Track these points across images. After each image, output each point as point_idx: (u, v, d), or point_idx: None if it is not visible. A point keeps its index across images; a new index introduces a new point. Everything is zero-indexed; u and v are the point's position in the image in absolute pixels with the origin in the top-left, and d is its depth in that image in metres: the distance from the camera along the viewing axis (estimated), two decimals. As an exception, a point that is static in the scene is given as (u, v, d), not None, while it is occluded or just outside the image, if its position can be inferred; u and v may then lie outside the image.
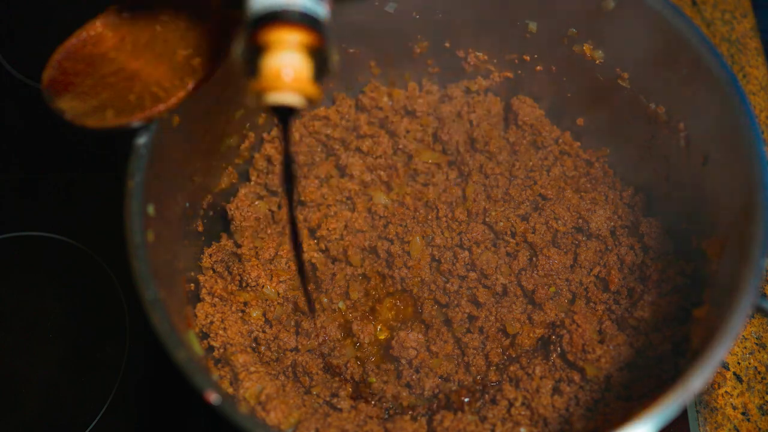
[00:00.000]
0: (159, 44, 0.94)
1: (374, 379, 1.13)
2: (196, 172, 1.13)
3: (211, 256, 1.18)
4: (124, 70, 0.93)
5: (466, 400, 1.08)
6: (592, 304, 1.15)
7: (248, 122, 1.24)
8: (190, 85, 0.91)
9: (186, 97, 0.91)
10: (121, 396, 1.22)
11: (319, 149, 1.33)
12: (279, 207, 1.28)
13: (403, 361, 1.14)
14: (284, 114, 0.79)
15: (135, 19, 0.94)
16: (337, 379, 1.14)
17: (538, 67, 1.26)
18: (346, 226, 1.24)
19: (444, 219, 1.25)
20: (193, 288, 1.12)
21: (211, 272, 1.17)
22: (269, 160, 1.27)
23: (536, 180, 1.26)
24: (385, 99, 1.33)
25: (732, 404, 1.24)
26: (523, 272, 1.18)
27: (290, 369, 1.14)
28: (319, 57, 0.75)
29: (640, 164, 1.21)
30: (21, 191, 1.42)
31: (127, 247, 0.85)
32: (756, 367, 1.27)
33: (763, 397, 1.25)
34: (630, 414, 0.81)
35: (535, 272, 1.17)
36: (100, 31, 0.93)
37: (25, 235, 1.35)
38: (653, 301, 1.10)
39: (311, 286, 1.22)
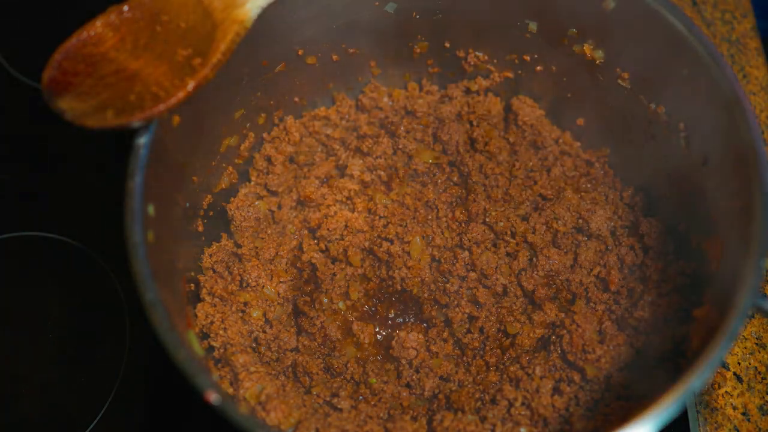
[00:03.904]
0: (159, 44, 0.94)
1: (374, 379, 1.13)
2: (196, 172, 1.13)
3: (211, 256, 1.18)
4: (124, 70, 0.93)
5: (466, 400, 1.08)
6: (592, 304, 1.15)
7: (248, 122, 1.24)
8: (190, 85, 0.91)
9: (186, 97, 0.91)
10: (121, 396, 1.22)
11: (319, 149, 1.33)
12: (279, 207, 1.28)
13: (403, 361, 1.14)
14: None
15: (135, 19, 0.94)
16: (337, 379, 1.14)
17: (538, 67, 1.26)
18: (346, 226, 1.24)
19: (444, 219, 1.25)
20: (193, 288, 1.12)
21: (211, 272, 1.17)
22: (269, 160, 1.28)
23: (536, 180, 1.26)
24: (385, 99, 1.33)
25: (732, 404, 1.24)
26: (523, 272, 1.18)
27: (290, 369, 1.14)
28: None
29: (640, 164, 1.21)
30: (21, 191, 1.42)
31: (127, 247, 0.85)
32: (756, 367, 1.27)
33: (764, 397, 1.25)
34: (630, 414, 0.81)
35: (535, 272, 1.17)
36: (100, 31, 0.93)
37: (25, 235, 1.35)
38: (653, 301, 1.10)
39: (311, 287, 1.22)
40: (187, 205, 1.12)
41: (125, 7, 0.94)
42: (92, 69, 0.92)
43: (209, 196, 1.19)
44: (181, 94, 0.90)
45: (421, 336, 1.15)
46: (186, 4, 0.95)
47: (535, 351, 1.14)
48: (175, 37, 0.94)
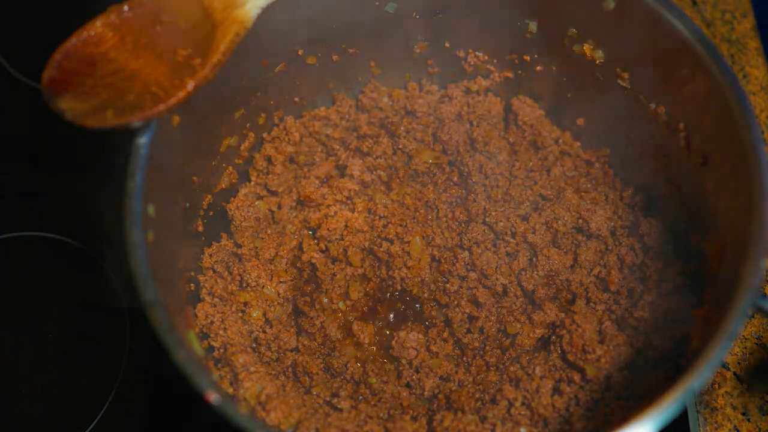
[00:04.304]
0: (159, 44, 0.94)
1: (374, 379, 1.13)
2: (196, 172, 1.13)
3: (211, 256, 1.18)
4: (124, 70, 0.93)
5: (466, 400, 1.08)
6: (592, 304, 1.15)
7: (248, 122, 1.24)
8: (190, 85, 0.91)
9: (186, 97, 0.91)
10: (121, 396, 1.22)
11: (319, 149, 1.33)
12: (279, 207, 1.28)
13: (403, 361, 1.14)
14: None
15: (135, 19, 0.94)
16: (337, 379, 1.14)
17: (538, 67, 1.26)
18: (346, 226, 1.24)
19: (444, 219, 1.25)
20: (193, 288, 1.13)
21: (211, 272, 1.17)
22: (269, 160, 1.27)
23: (536, 180, 1.26)
24: (385, 99, 1.33)
25: (732, 404, 1.24)
26: (523, 272, 1.18)
27: (290, 369, 1.14)
28: None
29: (640, 164, 1.21)
30: (21, 191, 1.42)
31: (127, 247, 0.85)
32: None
33: (763, 397, 1.25)
34: (630, 414, 0.81)
35: (535, 272, 1.17)
36: (100, 31, 0.93)
37: (25, 235, 1.35)
38: (653, 301, 1.10)
39: (311, 287, 1.22)
40: (187, 205, 1.12)
41: (125, 7, 0.94)
42: (92, 69, 0.92)
43: (209, 196, 1.19)
44: (181, 94, 0.90)
45: (421, 336, 1.15)
46: (186, 4, 0.95)
47: (535, 351, 1.14)
48: (175, 37, 0.94)
